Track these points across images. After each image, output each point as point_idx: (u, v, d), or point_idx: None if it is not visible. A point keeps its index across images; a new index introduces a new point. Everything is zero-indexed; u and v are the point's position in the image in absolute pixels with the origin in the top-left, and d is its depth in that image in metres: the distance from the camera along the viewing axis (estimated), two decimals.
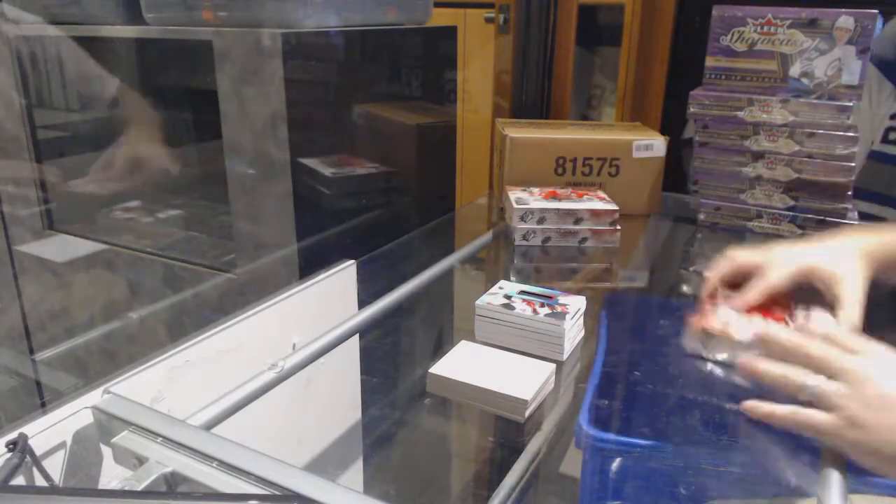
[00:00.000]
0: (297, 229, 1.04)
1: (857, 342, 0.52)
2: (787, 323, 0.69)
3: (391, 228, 1.25)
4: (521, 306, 0.80)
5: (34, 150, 1.31)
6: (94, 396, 0.55)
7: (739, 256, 0.75)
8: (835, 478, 0.56)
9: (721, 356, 0.72)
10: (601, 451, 0.65)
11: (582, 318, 0.83)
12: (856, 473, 0.58)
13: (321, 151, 1.08)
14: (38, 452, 0.50)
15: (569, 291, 0.85)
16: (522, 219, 1.11)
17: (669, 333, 0.84)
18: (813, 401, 0.51)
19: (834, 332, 0.54)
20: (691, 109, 1.19)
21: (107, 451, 0.55)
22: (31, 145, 1.31)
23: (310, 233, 1.06)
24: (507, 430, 0.71)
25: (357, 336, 0.81)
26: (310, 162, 1.06)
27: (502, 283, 0.88)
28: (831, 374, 0.49)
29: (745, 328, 0.68)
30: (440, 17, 1.33)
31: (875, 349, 0.51)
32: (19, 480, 0.49)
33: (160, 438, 0.50)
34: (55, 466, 0.53)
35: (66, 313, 1.38)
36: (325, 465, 0.86)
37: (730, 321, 0.71)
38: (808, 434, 0.54)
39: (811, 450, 0.62)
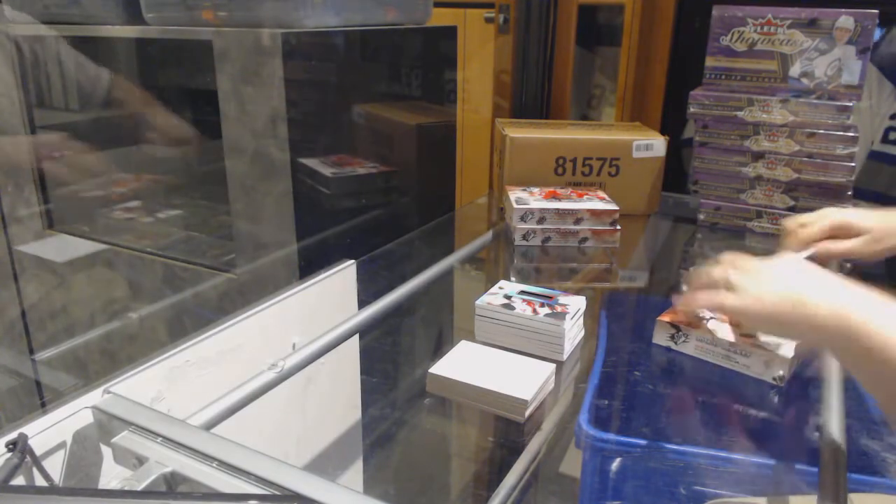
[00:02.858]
0: (297, 229, 1.04)
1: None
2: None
3: (391, 228, 1.24)
4: (521, 306, 0.80)
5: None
6: (94, 396, 0.55)
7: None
8: (835, 478, 0.56)
9: (686, 349, 0.79)
10: (601, 451, 0.65)
11: (582, 318, 0.83)
12: (856, 473, 0.58)
13: (321, 151, 1.08)
14: (38, 452, 0.50)
15: (569, 291, 0.85)
16: (522, 219, 1.11)
17: None
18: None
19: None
20: (691, 109, 1.19)
21: (107, 451, 0.55)
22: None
23: (310, 233, 1.06)
24: (507, 430, 0.71)
25: (357, 336, 0.81)
26: (310, 162, 1.06)
27: (502, 283, 0.88)
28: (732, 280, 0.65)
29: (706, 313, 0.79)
30: (440, 17, 1.33)
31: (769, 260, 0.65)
32: (19, 480, 0.49)
33: (160, 438, 0.50)
34: (55, 466, 0.53)
35: (66, 313, 1.38)
36: (325, 465, 0.86)
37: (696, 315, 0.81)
38: (716, 308, 0.69)
39: (811, 450, 0.62)
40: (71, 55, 1.27)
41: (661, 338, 0.81)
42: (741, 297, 0.62)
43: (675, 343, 0.79)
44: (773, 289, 0.60)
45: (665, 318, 0.80)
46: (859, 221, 0.79)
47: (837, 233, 0.80)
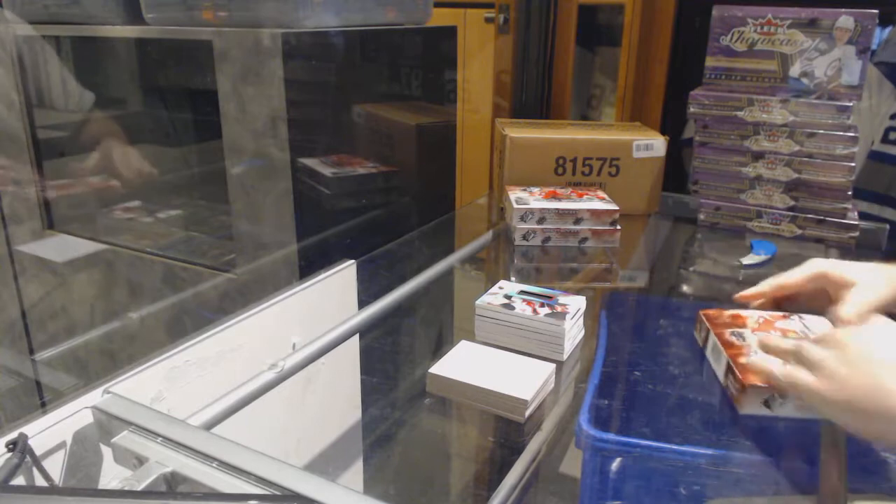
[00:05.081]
0: (297, 229, 1.04)
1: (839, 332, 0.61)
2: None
3: (391, 228, 1.24)
4: (521, 306, 0.80)
5: (34, 150, 1.31)
6: (94, 396, 0.55)
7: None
8: (835, 478, 0.56)
9: (785, 411, 0.65)
10: (601, 451, 0.65)
11: (582, 318, 0.83)
12: (856, 473, 0.58)
13: (321, 151, 1.08)
14: (38, 452, 0.50)
15: (569, 291, 0.85)
16: (522, 219, 1.11)
17: (669, 333, 0.84)
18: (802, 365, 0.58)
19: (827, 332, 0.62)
20: (691, 109, 1.19)
21: (107, 451, 0.55)
22: (31, 145, 1.31)
23: (310, 233, 1.06)
24: (507, 430, 0.71)
25: (357, 336, 0.81)
26: (310, 162, 1.06)
27: (502, 283, 0.88)
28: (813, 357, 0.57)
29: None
30: (440, 17, 1.33)
31: (860, 328, 0.60)
32: (19, 480, 0.49)
33: (160, 438, 0.50)
34: (55, 466, 0.53)
35: (66, 313, 1.38)
36: (325, 465, 0.86)
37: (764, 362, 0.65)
38: (794, 392, 0.59)
39: (811, 450, 0.62)
40: (57, 69, 1.27)
41: (752, 406, 0.65)
42: (819, 380, 0.54)
43: (771, 408, 0.65)
44: (859, 371, 0.52)
45: (753, 380, 0.65)
46: (844, 274, 0.70)
47: (821, 282, 0.72)
